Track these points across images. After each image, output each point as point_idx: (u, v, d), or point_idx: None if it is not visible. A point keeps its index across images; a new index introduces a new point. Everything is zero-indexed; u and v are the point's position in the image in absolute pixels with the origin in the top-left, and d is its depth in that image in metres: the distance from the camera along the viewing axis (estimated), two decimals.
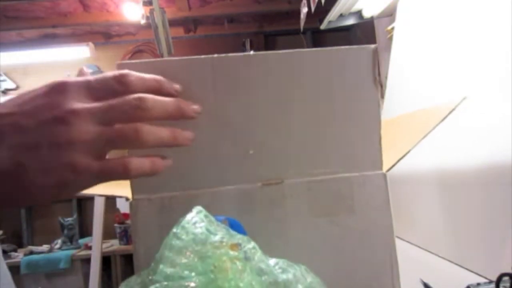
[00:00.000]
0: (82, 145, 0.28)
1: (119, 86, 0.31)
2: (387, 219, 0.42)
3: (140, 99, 0.30)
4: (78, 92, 0.30)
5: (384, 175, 0.41)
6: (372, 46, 0.42)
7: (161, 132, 0.31)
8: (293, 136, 0.41)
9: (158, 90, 0.33)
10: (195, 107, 0.34)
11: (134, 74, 0.32)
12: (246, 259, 0.24)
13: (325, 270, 0.37)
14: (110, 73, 0.32)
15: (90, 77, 0.31)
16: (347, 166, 0.41)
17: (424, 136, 0.44)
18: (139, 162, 0.30)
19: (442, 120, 0.45)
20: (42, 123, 0.27)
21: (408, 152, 0.43)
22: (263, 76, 0.41)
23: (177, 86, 0.35)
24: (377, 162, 0.42)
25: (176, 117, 0.33)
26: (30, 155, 0.27)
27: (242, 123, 0.41)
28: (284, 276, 0.24)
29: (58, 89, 0.29)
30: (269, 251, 0.36)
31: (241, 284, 0.22)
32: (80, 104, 0.29)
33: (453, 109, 0.47)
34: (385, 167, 0.42)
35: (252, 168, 0.40)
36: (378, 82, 0.42)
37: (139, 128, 0.30)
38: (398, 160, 0.42)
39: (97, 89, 0.30)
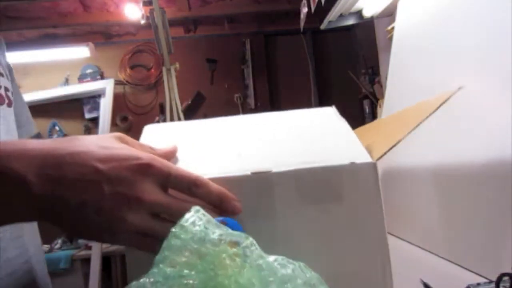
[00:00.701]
0: (129, 226, 0.35)
1: (189, 192, 0.37)
2: (377, 207, 0.41)
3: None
4: (156, 179, 0.36)
5: (374, 164, 0.41)
6: None
7: None
8: (280, 140, 0.47)
9: (217, 206, 0.38)
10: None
11: (206, 187, 0.37)
12: (245, 255, 0.24)
13: (313, 258, 0.38)
14: (189, 177, 0.38)
15: (172, 171, 0.37)
16: (336, 157, 0.42)
17: (418, 125, 0.45)
18: None
19: (435, 110, 0.46)
20: (115, 195, 0.34)
21: (400, 141, 0.43)
22: None
23: (237, 205, 0.38)
24: (364, 152, 0.43)
25: None
26: (90, 211, 0.34)
27: (237, 139, 0.48)
28: (283, 271, 0.24)
29: (143, 170, 0.36)
30: (257, 239, 0.37)
31: (241, 280, 0.22)
32: (149, 194, 0.35)
33: (448, 99, 0.47)
34: (377, 156, 0.42)
35: (243, 163, 0.42)
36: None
37: None
38: (390, 149, 0.42)
39: (171, 184, 0.37)
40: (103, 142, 0.37)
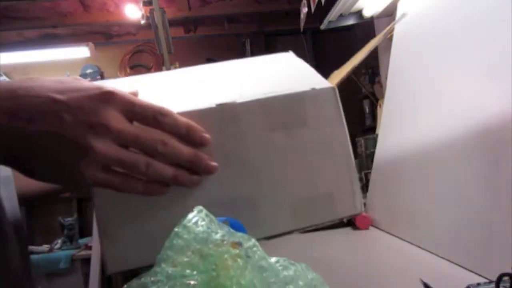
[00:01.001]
0: (98, 156, 0.32)
1: (155, 122, 0.35)
2: (340, 129, 0.43)
3: (163, 144, 0.35)
4: (120, 108, 0.34)
5: (333, 88, 0.44)
6: None
7: (166, 171, 0.36)
8: (241, 78, 0.48)
9: (185, 137, 0.36)
10: (212, 164, 0.37)
11: (172, 116, 0.36)
12: (247, 257, 0.24)
13: (285, 181, 0.41)
14: (154, 106, 0.36)
15: (136, 100, 0.35)
16: (297, 85, 0.43)
17: (370, 50, 0.50)
18: (134, 184, 0.35)
19: (383, 34, 0.51)
20: (78, 122, 0.32)
21: (356, 66, 0.47)
22: None
23: (205, 136, 0.37)
24: (323, 80, 0.45)
25: (187, 167, 0.37)
26: (54, 144, 0.32)
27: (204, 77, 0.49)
28: (285, 273, 0.24)
29: (105, 98, 0.34)
30: (228, 169, 0.39)
31: (242, 282, 0.22)
32: (115, 122, 0.33)
33: (392, 25, 0.53)
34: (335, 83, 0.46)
35: (207, 98, 0.41)
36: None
37: (149, 162, 0.35)
38: (347, 74, 0.45)
39: (136, 114, 0.35)
40: (60, 79, 0.35)
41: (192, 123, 0.37)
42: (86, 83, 0.35)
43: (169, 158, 0.36)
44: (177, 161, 0.36)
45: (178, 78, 0.50)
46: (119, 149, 0.34)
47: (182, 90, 0.46)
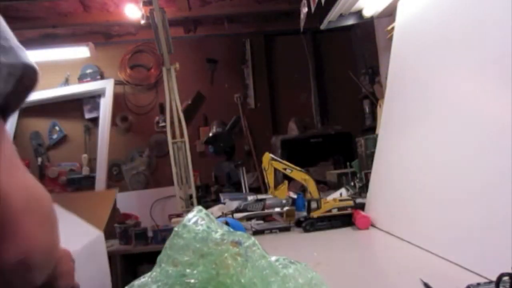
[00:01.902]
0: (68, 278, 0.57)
1: (72, 261, 0.61)
2: (105, 260, 0.80)
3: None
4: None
5: (102, 233, 0.84)
6: None
7: None
8: None
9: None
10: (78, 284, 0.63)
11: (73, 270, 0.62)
12: (247, 255, 0.24)
13: None
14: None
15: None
16: (87, 232, 0.78)
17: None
18: None
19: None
20: (71, 271, 0.59)
21: (106, 221, 1.03)
22: None
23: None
24: (94, 229, 0.82)
25: None
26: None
27: None
28: (285, 271, 0.24)
29: (71, 257, 0.60)
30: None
31: (242, 280, 0.22)
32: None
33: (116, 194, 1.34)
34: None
35: None
36: None
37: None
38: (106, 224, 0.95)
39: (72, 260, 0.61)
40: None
41: None
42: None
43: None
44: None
45: None
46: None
47: None
